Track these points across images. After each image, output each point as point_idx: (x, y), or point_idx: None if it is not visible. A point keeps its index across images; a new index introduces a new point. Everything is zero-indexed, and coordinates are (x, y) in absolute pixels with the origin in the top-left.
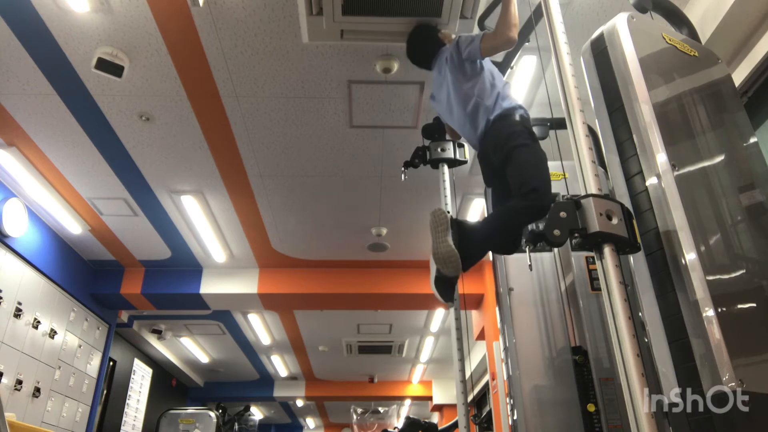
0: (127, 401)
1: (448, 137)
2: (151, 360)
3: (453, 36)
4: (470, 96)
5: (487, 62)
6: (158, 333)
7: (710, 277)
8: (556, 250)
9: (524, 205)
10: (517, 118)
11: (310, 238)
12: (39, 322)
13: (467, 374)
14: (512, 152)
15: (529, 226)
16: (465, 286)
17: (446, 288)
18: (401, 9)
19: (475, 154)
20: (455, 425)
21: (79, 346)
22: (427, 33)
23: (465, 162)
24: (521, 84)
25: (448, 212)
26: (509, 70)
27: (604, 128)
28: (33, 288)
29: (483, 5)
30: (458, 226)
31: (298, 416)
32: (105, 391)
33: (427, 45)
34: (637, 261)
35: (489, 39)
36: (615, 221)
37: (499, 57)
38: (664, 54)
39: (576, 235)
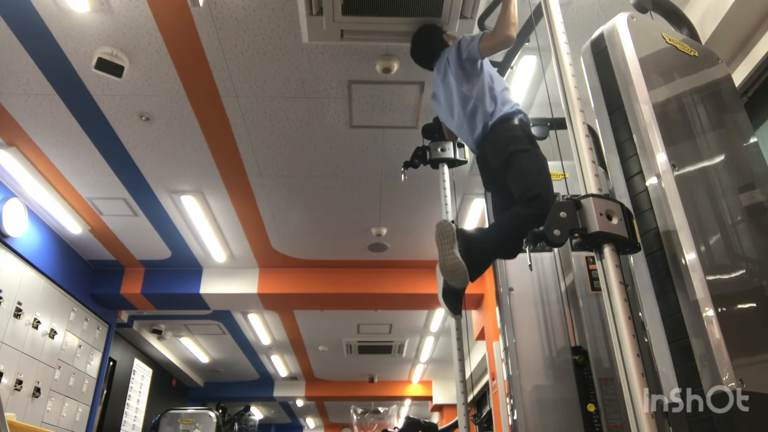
0: (127, 401)
1: None
2: (151, 360)
3: (457, 37)
4: (469, 98)
5: (487, 65)
6: (158, 333)
7: (710, 277)
8: (556, 250)
9: (528, 213)
10: (516, 122)
11: (310, 238)
12: (39, 322)
13: (467, 374)
14: (512, 158)
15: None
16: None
17: (454, 300)
18: (401, 9)
19: (474, 156)
20: (455, 425)
21: (79, 346)
22: (432, 33)
23: (465, 162)
24: (521, 84)
25: (453, 222)
26: (509, 70)
27: (604, 128)
28: (33, 288)
29: (483, 5)
30: (463, 236)
31: (298, 416)
32: (105, 391)
33: (431, 45)
34: (637, 261)
35: (488, 38)
36: (615, 221)
37: (499, 57)
38: (664, 54)
39: (576, 235)
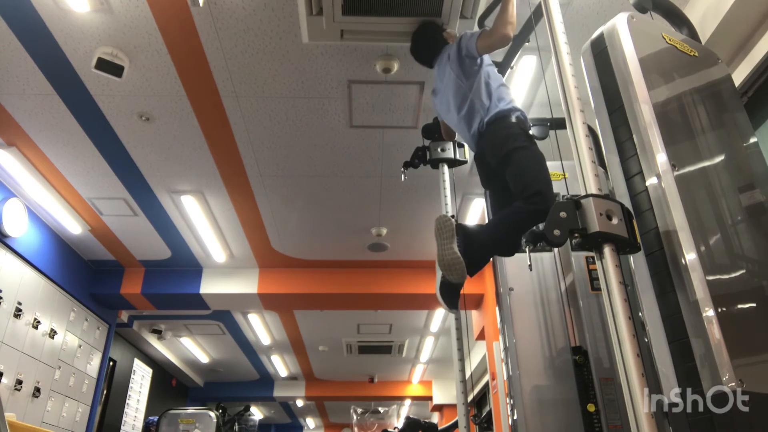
0: (127, 401)
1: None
2: (151, 360)
3: (457, 35)
4: (467, 94)
5: (486, 61)
6: (158, 333)
7: (710, 277)
8: (556, 250)
9: (529, 210)
10: (514, 119)
11: (310, 238)
12: (39, 322)
13: (467, 374)
14: (511, 155)
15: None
16: (465, 286)
17: (451, 294)
18: (401, 9)
19: (473, 154)
20: (455, 425)
21: (79, 346)
22: (432, 31)
23: (465, 162)
24: (521, 84)
25: (453, 217)
26: (509, 70)
27: (604, 128)
28: (33, 288)
29: (483, 5)
30: (463, 231)
31: (298, 416)
32: (105, 391)
33: (431, 42)
34: (637, 261)
35: (485, 36)
36: (615, 221)
37: (499, 56)
38: (664, 54)
39: (576, 235)
